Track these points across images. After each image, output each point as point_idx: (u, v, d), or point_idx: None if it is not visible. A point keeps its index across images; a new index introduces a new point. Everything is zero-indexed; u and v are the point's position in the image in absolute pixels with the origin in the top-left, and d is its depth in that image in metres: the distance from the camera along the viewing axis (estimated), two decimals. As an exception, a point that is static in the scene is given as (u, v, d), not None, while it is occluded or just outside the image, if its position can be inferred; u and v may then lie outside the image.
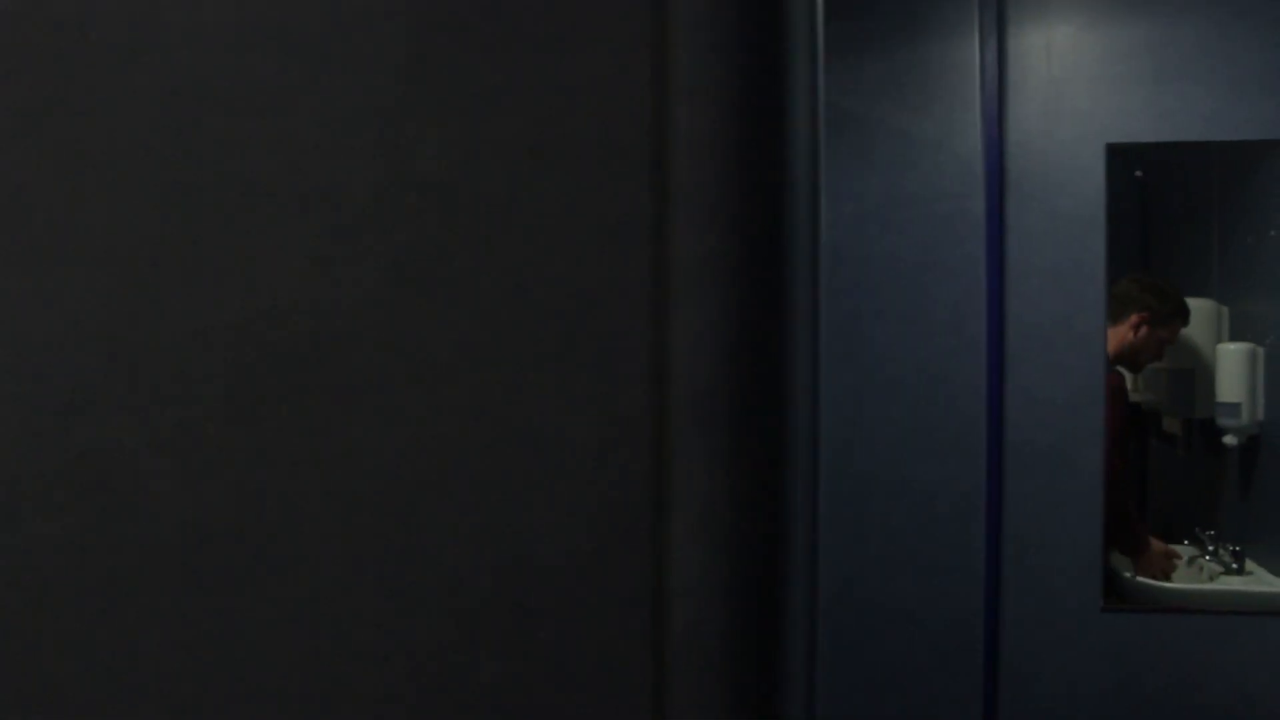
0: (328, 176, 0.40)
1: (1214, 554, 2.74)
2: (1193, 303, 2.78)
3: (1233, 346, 2.73)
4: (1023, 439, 2.35)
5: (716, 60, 0.39)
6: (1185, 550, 2.75)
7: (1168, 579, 2.66)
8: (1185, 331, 2.77)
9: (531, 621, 0.39)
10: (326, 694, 0.40)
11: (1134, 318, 2.67)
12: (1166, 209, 2.89)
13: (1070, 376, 2.34)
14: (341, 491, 0.40)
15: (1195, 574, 2.75)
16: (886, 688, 2.34)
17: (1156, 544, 2.69)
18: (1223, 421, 2.72)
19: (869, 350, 2.32)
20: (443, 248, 0.39)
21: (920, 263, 2.30)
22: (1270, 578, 2.66)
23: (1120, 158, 2.48)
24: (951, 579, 2.32)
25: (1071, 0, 2.34)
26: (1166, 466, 3.06)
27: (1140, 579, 2.66)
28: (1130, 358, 2.71)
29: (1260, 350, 2.71)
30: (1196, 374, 2.81)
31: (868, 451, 2.33)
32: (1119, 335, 2.68)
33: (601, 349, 0.39)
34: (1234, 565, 2.71)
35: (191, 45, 0.40)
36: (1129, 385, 2.91)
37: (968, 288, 2.29)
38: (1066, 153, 2.32)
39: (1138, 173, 2.48)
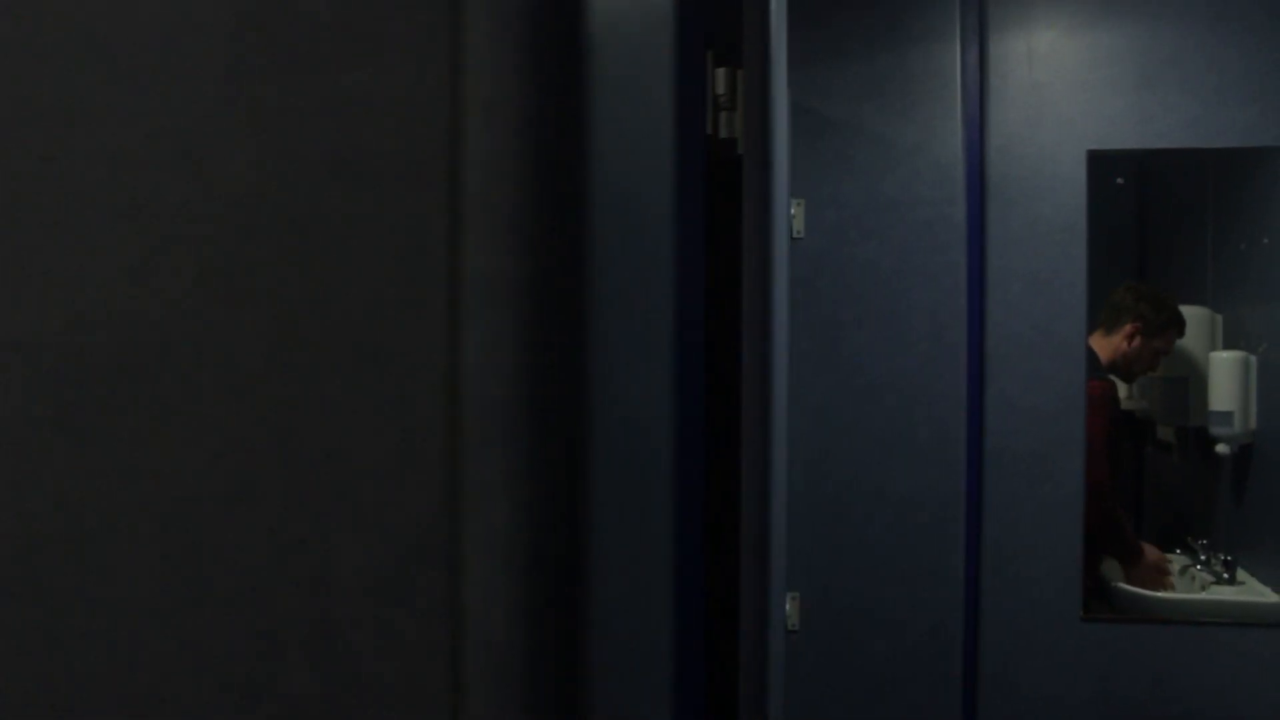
0: (142, 189, 0.40)
1: (1205, 563, 2.72)
2: (1187, 310, 2.77)
3: (1225, 355, 2.71)
4: (1003, 446, 2.34)
5: (511, 78, 0.39)
6: (1178, 559, 2.74)
7: (1162, 589, 2.65)
8: (1179, 339, 2.76)
9: (335, 634, 0.40)
10: (139, 700, 0.40)
11: (1128, 327, 2.66)
12: (1163, 216, 2.87)
13: (1051, 384, 2.33)
14: (155, 501, 0.40)
15: (1187, 583, 2.73)
16: (867, 694, 2.33)
17: (1150, 553, 2.67)
18: (1215, 430, 2.70)
19: (848, 357, 2.31)
20: (250, 260, 0.40)
21: (900, 269, 2.29)
22: (1261, 587, 2.64)
23: (1109, 164, 2.47)
24: (931, 586, 2.31)
25: (1053, 5, 2.32)
26: (1161, 474, 3.04)
27: (1129, 587, 2.65)
28: (1124, 367, 2.70)
29: (1253, 358, 2.69)
30: (1191, 382, 2.79)
31: (847, 459, 2.32)
32: (1113, 344, 2.67)
33: (398, 363, 0.39)
34: (1225, 575, 2.69)
35: (9, 59, 0.40)
36: (1123, 393, 2.90)
37: (948, 294, 2.28)
38: (1048, 159, 2.31)
39: (1119, 179, 2.46)
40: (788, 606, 2.32)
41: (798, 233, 2.30)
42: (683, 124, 0.56)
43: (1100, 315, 2.71)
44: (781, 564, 1.53)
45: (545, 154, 0.40)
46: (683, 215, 0.53)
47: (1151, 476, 3.06)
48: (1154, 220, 2.89)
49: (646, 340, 0.49)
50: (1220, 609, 2.60)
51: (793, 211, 2.28)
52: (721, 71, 1.37)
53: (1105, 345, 2.67)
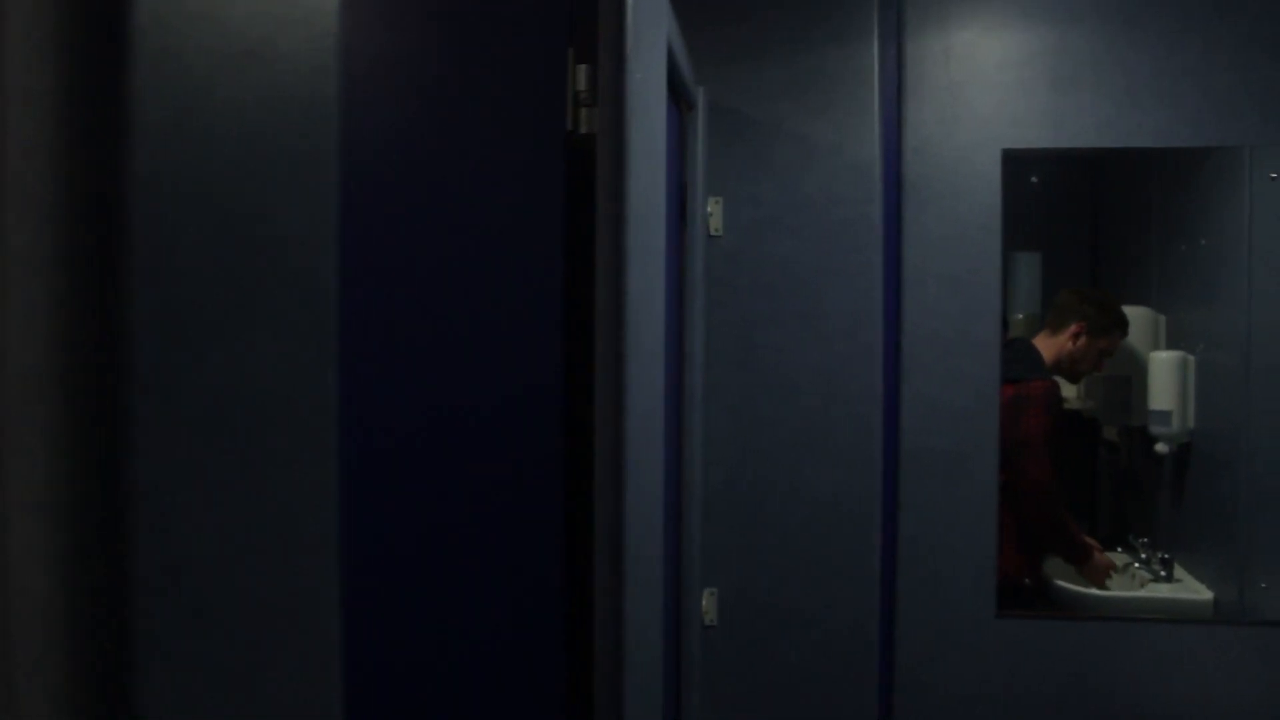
0: None
1: (1146, 561, 2.74)
2: (1131, 311, 2.79)
3: (1164, 354, 2.73)
4: (919, 446, 2.35)
5: (49, 68, 0.41)
6: (1119, 558, 2.76)
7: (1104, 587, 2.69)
8: (1124, 340, 2.78)
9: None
10: None
11: (1073, 327, 2.69)
12: (1115, 219, 2.89)
13: (967, 383, 2.33)
14: None
15: (1127, 581, 2.75)
16: (784, 689, 2.35)
17: (1100, 555, 2.70)
18: (1154, 429, 2.72)
19: (765, 355, 2.32)
20: None
21: (817, 268, 2.30)
22: (1196, 585, 2.65)
23: (1024, 164, 2.49)
24: (848, 584, 2.32)
25: (970, 6, 2.33)
26: (1106, 473, 3.06)
27: (1067, 585, 2.67)
28: (1068, 367, 2.72)
29: (1191, 358, 2.70)
30: (1133, 381, 2.81)
31: (764, 456, 2.33)
32: (1058, 344, 2.70)
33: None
34: (1163, 573, 2.71)
35: None
36: (1072, 394, 2.92)
37: (865, 293, 2.29)
38: (963, 158, 2.32)
39: (1033, 178, 2.47)
40: (704, 602, 2.34)
41: (716, 230, 2.31)
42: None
43: (1046, 316, 2.74)
44: (651, 562, 1.54)
45: (81, 139, 0.42)
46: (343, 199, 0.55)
47: (1096, 476, 3.07)
48: (1107, 223, 2.90)
49: (265, 318, 0.51)
50: (1153, 606, 2.62)
51: (710, 210, 2.30)
52: (584, 68, 1.39)
53: (1050, 345, 2.70)
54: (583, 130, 1.39)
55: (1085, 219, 2.90)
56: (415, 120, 1.33)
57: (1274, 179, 2.36)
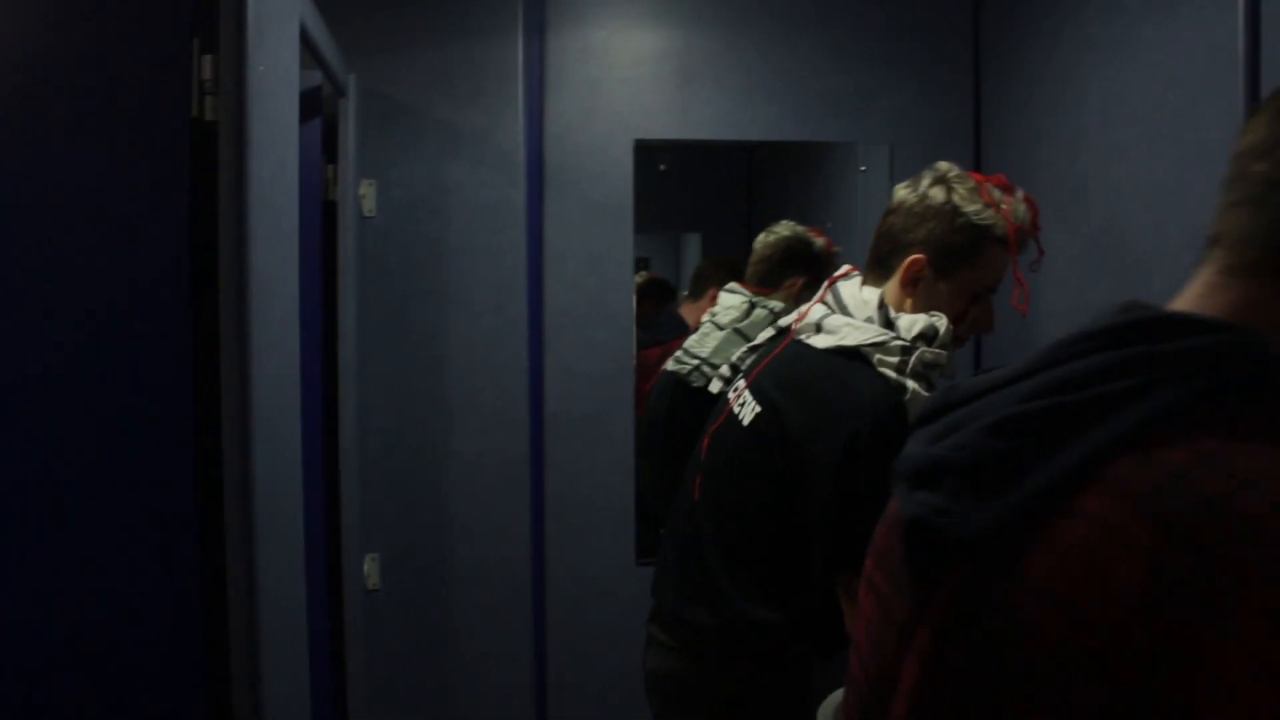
0: None
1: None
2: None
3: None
4: (561, 410, 2.55)
5: None
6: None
7: None
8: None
9: None
10: None
11: (712, 292, 2.95)
12: (763, 204, 3.18)
13: (603, 352, 2.55)
14: None
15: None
16: (447, 646, 2.48)
17: None
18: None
19: (418, 330, 2.44)
20: None
21: (465, 248, 2.44)
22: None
23: (652, 152, 2.72)
24: (502, 541, 2.48)
25: (605, 6, 2.53)
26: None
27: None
28: None
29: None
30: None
31: (419, 425, 2.45)
32: (700, 308, 2.95)
33: None
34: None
35: None
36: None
37: (510, 271, 2.44)
38: (599, 147, 2.52)
39: (661, 166, 2.71)
40: (366, 567, 2.45)
41: (369, 212, 2.41)
42: None
43: (688, 286, 3.00)
44: (287, 522, 1.63)
45: None
46: None
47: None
48: (758, 208, 3.19)
49: None
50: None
51: (363, 192, 2.39)
52: (209, 58, 1.47)
53: (694, 310, 2.95)
54: (207, 117, 1.47)
55: (740, 204, 3.18)
56: (30, 107, 1.36)
57: (863, 171, 2.70)
